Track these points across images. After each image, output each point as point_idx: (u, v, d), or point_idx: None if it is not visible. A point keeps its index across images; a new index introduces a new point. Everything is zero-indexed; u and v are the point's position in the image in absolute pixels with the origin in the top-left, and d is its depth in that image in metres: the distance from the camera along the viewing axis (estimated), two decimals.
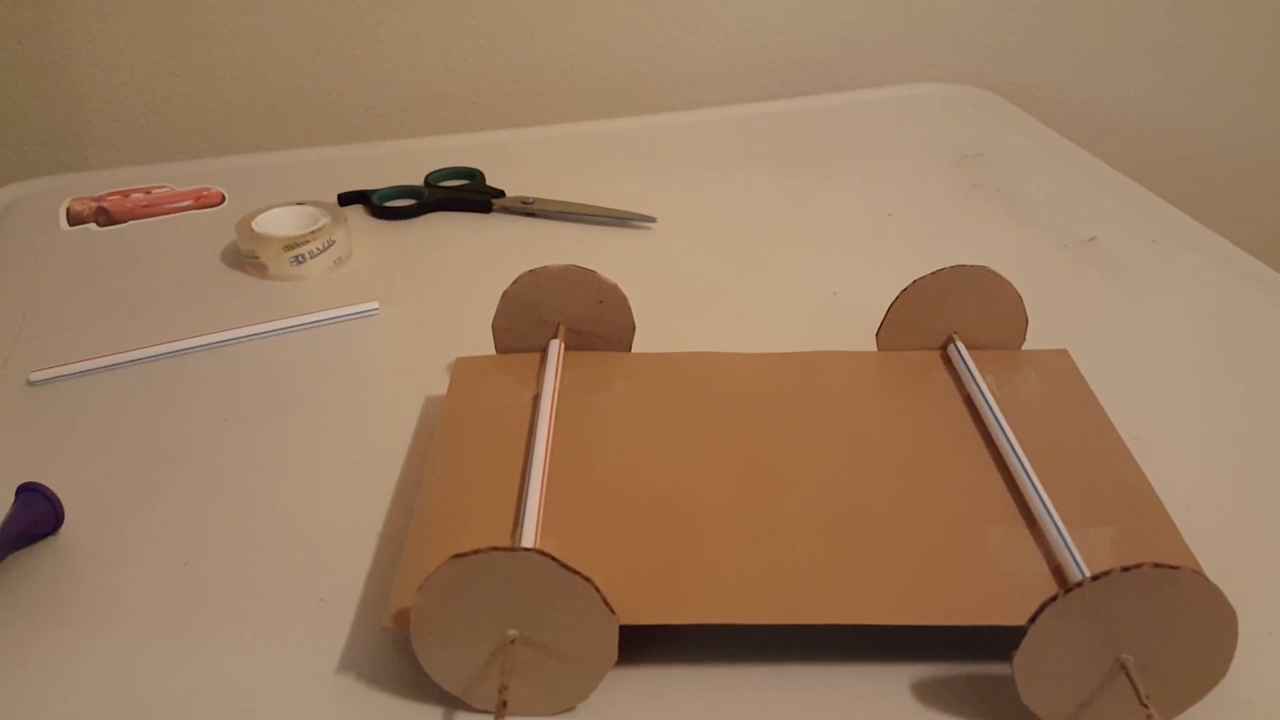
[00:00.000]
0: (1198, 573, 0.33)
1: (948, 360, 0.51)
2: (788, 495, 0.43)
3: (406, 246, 0.69)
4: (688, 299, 0.62)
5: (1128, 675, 0.34)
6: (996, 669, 0.38)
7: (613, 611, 0.35)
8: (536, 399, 0.48)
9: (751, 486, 0.43)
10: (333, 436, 0.52)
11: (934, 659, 0.39)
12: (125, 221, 0.74)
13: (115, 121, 0.89)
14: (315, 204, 0.69)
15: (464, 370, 0.51)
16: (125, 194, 0.77)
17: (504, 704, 0.35)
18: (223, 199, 0.76)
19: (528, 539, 0.40)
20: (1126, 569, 0.33)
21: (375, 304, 0.61)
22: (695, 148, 0.83)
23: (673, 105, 0.96)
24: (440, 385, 0.55)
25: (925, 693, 0.38)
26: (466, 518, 0.42)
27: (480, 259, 0.67)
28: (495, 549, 0.34)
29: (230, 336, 0.59)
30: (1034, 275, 0.64)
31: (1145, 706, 0.33)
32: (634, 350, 0.53)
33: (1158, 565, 0.33)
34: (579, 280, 0.51)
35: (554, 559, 0.34)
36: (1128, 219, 0.70)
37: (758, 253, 0.67)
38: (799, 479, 0.44)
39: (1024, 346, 0.52)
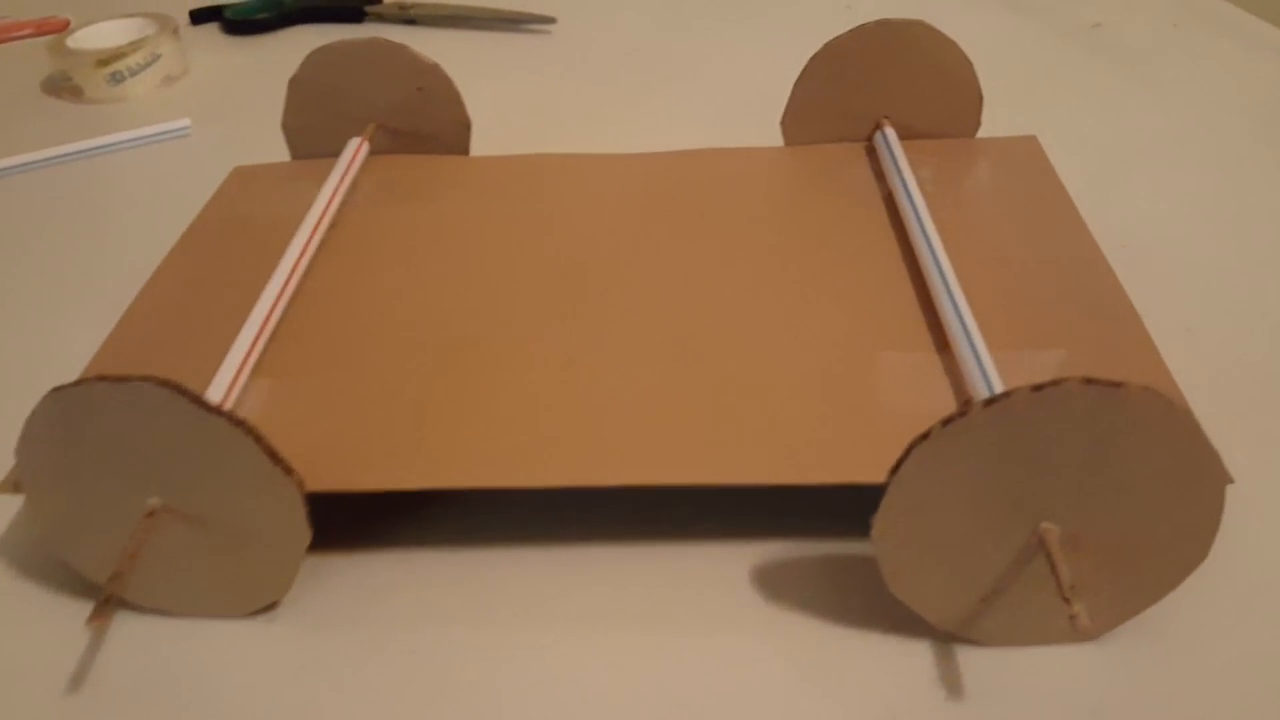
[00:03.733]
0: (1156, 393, 0.21)
1: (873, 153, 0.38)
2: (617, 320, 0.31)
3: (256, 63, 0.57)
4: (587, 118, 0.50)
5: (1046, 554, 0.22)
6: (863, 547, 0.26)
7: (288, 471, 0.24)
8: (299, 221, 0.36)
9: (572, 311, 0.32)
10: (97, 270, 0.41)
11: (784, 535, 0.27)
12: None
13: None
14: (147, 15, 0.57)
15: (237, 180, 0.40)
16: None
17: (119, 577, 0.24)
18: (67, 25, 0.65)
19: (222, 379, 0.28)
20: (1038, 387, 0.20)
21: (185, 123, 0.50)
22: None
23: None
24: None
25: (768, 579, 0.26)
26: (165, 347, 0.31)
27: None
28: (103, 378, 0.23)
29: (15, 162, 0.48)
30: (1023, 68, 0.50)
31: (1068, 602, 0.21)
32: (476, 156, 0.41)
33: (1089, 381, 0.20)
34: (387, 59, 0.39)
35: (186, 392, 0.23)
36: (1142, 1, 0.56)
37: (678, 59, 0.54)
38: (640, 301, 0.32)
39: (983, 135, 0.39)
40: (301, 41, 0.58)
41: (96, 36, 0.55)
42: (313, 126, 0.40)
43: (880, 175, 0.37)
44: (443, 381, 0.29)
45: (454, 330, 0.31)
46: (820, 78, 0.38)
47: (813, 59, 0.38)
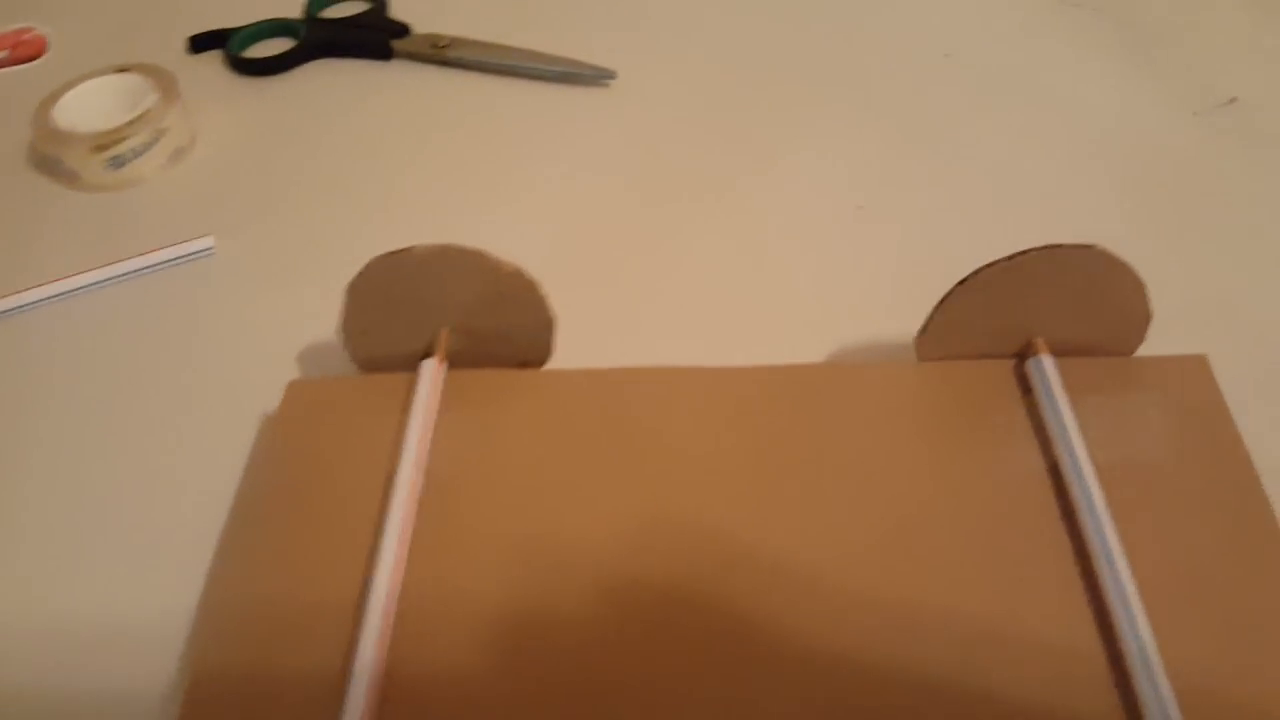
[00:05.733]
0: None
1: (1024, 380, 0.34)
2: (734, 629, 0.28)
3: (272, 121, 0.50)
4: (654, 214, 0.44)
5: None
6: None
7: None
8: (390, 470, 0.32)
9: (689, 609, 0.28)
10: (134, 472, 0.36)
11: None
12: None
13: None
14: (142, 69, 0.49)
15: (297, 403, 0.35)
16: None
17: None
18: (43, 47, 0.57)
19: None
20: None
21: (209, 241, 0.44)
22: None
23: None
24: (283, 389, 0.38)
25: None
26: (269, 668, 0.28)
27: (372, 141, 0.49)
28: None
29: (10, 304, 0.42)
30: (1141, 160, 0.44)
31: None
32: (563, 339, 0.36)
33: None
34: (463, 265, 0.34)
35: None
36: None
37: (751, 128, 0.48)
38: (757, 596, 0.29)
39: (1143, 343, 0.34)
40: (323, 85, 0.52)
41: (86, 106, 0.48)
42: (376, 331, 0.35)
43: (1035, 415, 0.33)
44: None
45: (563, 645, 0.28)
46: (967, 303, 0.33)
47: (961, 286, 0.32)
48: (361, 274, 0.34)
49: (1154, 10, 0.53)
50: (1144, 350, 0.34)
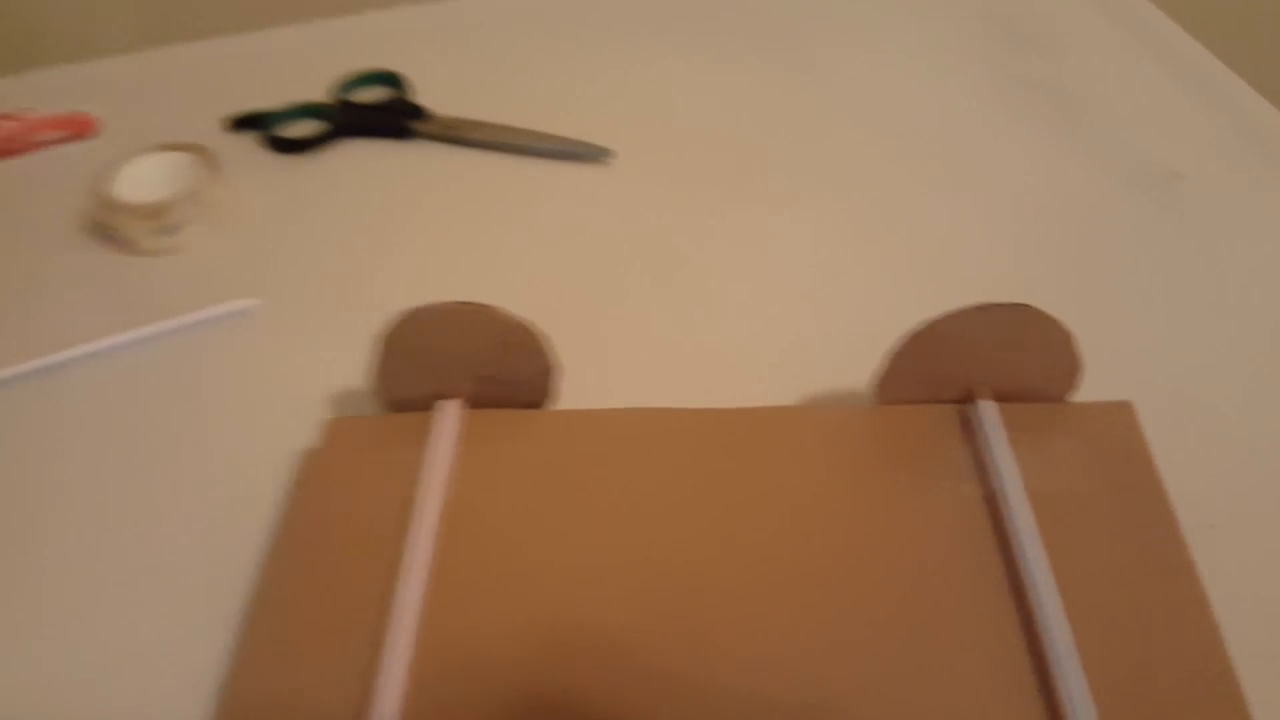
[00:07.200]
0: None
1: (966, 423, 0.38)
2: (725, 664, 0.32)
3: (305, 195, 0.56)
4: (645, 279, 0.49)
5: None
6: None
7: None
8: (410, 497, 0.37)
9: (675, 648, 0.33)
10: (178, 505, 0.41)
11: None
12: None
13: None
14: (188, 148, 0.55)
15: (339, 438, 0.39)
16: None
17: None
18: (96, 127, 0.62)
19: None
20: None
21: (252, 302, 0.49)
22: (658, 20, 0.66)
23: None
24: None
25: None
26: (300, 684, 0.32)
27: (394, 215, 0.54)
28: None
29: (72, 355, 0.47)
30: (1086, 232, 0.50)
31: None
32: (567, 382, 0.41)
33: None
34: (476, 319, 0.39)
35: None
36: (1234, 146, 0.54)
37: (726, 199, 0.53)
38: (743, 635, 0.33)
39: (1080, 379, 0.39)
40: (350, 163, 0.58)
41: (138, 180, 0.54)
42: (401, 377, 0.40)
43: (976, 454, 0.37)
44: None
45: (573, 665, 0.32)
46: (920, 350, 0.38)
47: (913, 336, 0.37)
48: (390, 326, 0.39)
49: (1095, 90, 0.58)
50: (1080, 396, 0.39)
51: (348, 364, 0.45)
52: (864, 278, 0.48)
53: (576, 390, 0.41)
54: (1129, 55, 0.61)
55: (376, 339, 0.39)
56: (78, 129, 0.62)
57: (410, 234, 0.53)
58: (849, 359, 0.41)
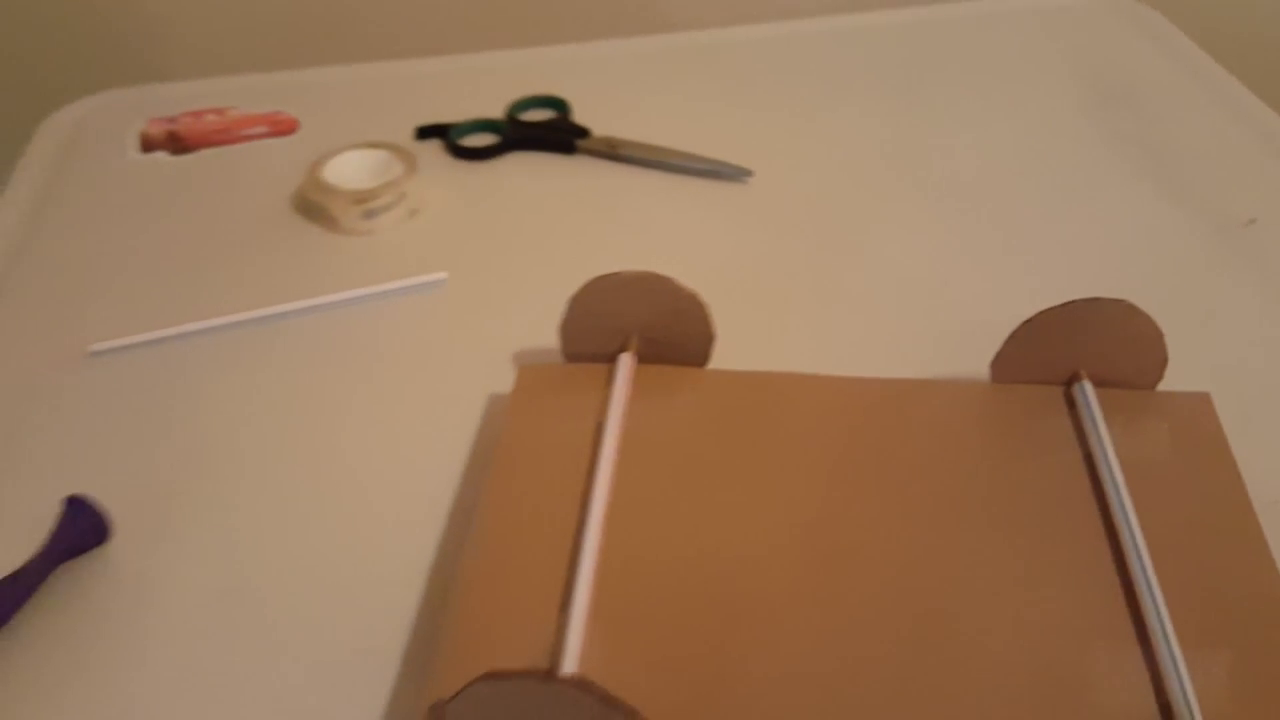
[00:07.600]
0: None
1: (1071, 401, 0.45)
2: (860, 586, 0.38)
3: (483, 195, 0.64)
4: (780, 277, 0.57)
5: None
6: None
7: None
8: (600, 429, 0.44)
9: (819, 568, 0.39)
10: (390, 435, 0.49)
11: None
12: (197, 149, 0.70)
13: (183, 33, 0.84)
14: (389, 146, 0.64)
15: (526, 385, 0.47)
16: (198, 115, 0.73)
17: None
18: (296, 126, 0.72)
19: (574, 640, 0.36)
20: None
21: (444, 275, 0.57)
22: (795, 66, 0.75)
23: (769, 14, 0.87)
24: (506, 378, 0.51)
25: None
26: (513, 588, 0.39)
27: (560, 215, 0.62)
28: (531, 674, 0.31)
29: (292, 308, 0.56)
30: (1172, 269, 0.56)
31: None
32: (714, 355, 0.48)
33: None
34: (654, 287, 0.46)
35: (595, 691, 0.31)
36: None
37: (855, 219, 0.61)
38: (878, 563, 0.39)
39: (1164, 379, 0.45)
40: (522, 171, 0.66)
41: (346, 171, 0.63)
42: (583, 335, 0.47)
43: (1078, 427, 0.44)
44: (730, 641, 0.37)
45: (733, 581, 0.39)
46: (1032, 336, 0.44)
47: (1026, 323, 0.44)
48: (583, 289, 0.46)
49: (1174, 139, 0.65)
50: (1162, 387, 0.45)
51: (524, 328, 0.53)
52: (979, 285, 0.55)
53: (727, 357, 0.48)
54: (1203, 111, 0.68)
55: (570, 299, 0.47)
56: (281, 127, 0.72)
57: (572, 231, 0.61)
58: (966, 348, 0.48)
